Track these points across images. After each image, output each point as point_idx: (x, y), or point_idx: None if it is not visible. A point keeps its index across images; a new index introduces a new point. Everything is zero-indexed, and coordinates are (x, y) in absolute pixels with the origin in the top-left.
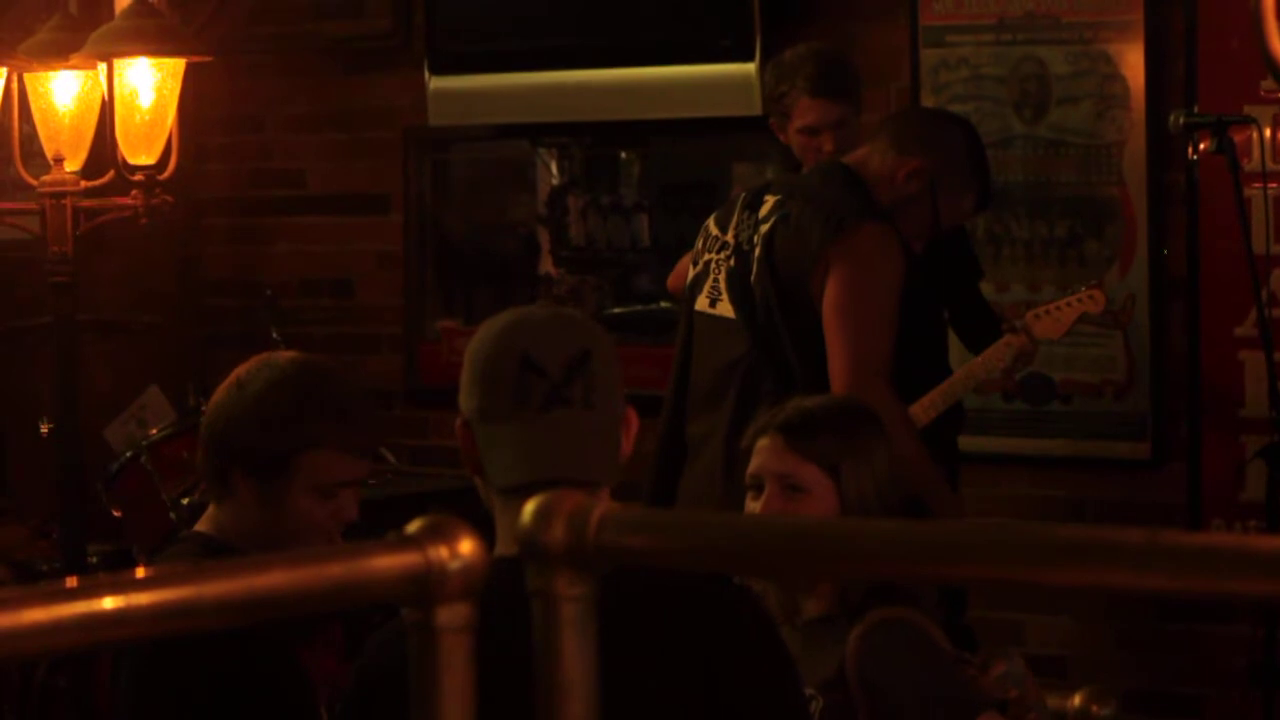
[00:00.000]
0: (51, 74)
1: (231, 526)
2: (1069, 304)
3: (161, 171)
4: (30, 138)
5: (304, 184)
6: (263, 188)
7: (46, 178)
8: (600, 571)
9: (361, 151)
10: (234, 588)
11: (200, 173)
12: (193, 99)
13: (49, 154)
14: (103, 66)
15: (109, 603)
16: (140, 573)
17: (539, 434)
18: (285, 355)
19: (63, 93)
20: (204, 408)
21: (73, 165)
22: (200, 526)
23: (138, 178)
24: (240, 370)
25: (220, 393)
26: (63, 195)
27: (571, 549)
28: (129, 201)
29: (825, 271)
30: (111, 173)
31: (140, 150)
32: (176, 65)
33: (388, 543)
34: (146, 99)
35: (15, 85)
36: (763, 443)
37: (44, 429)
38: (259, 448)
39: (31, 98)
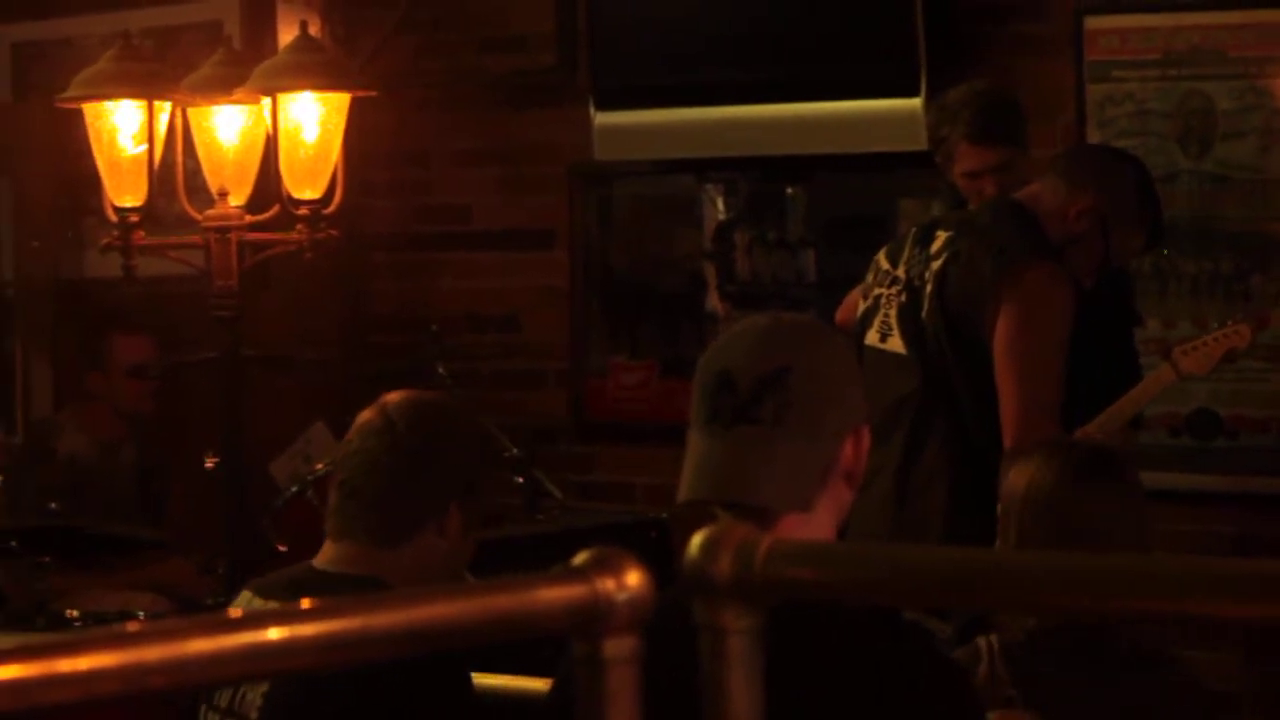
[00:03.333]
0: (215, 109)
1: (400, 571)
2: (1215, 339)
3: (326, 206)
4: (194, 172)
5: (469, 219)
6: (428, 223)
7: (211, 212)
8: (768, 604)
9: (526, 187)
10: (401, 619)
11: (365, 208)
12: (357, 134)
13: (213, 188)
14: (267, 101)
15: (274, 634)
16: (306, 604)
17: (715, 450)
18: (431, 394)
19: (226, 127)
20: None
21: (237, 200)
22: (342, 569)
23: (302, 212)
24: (411, 413)
25: (435, 431)
26: (227, 230)
27: (738, 581)
28: (294, 236)
29: (996, 310)
30: (276, 207)
31: (305, 185)
32: (341, 100)
33: (554, 575)
34: (311, 133)
35: (179, 120)
36: None
37: (209, 463)
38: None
39: (195, 132)
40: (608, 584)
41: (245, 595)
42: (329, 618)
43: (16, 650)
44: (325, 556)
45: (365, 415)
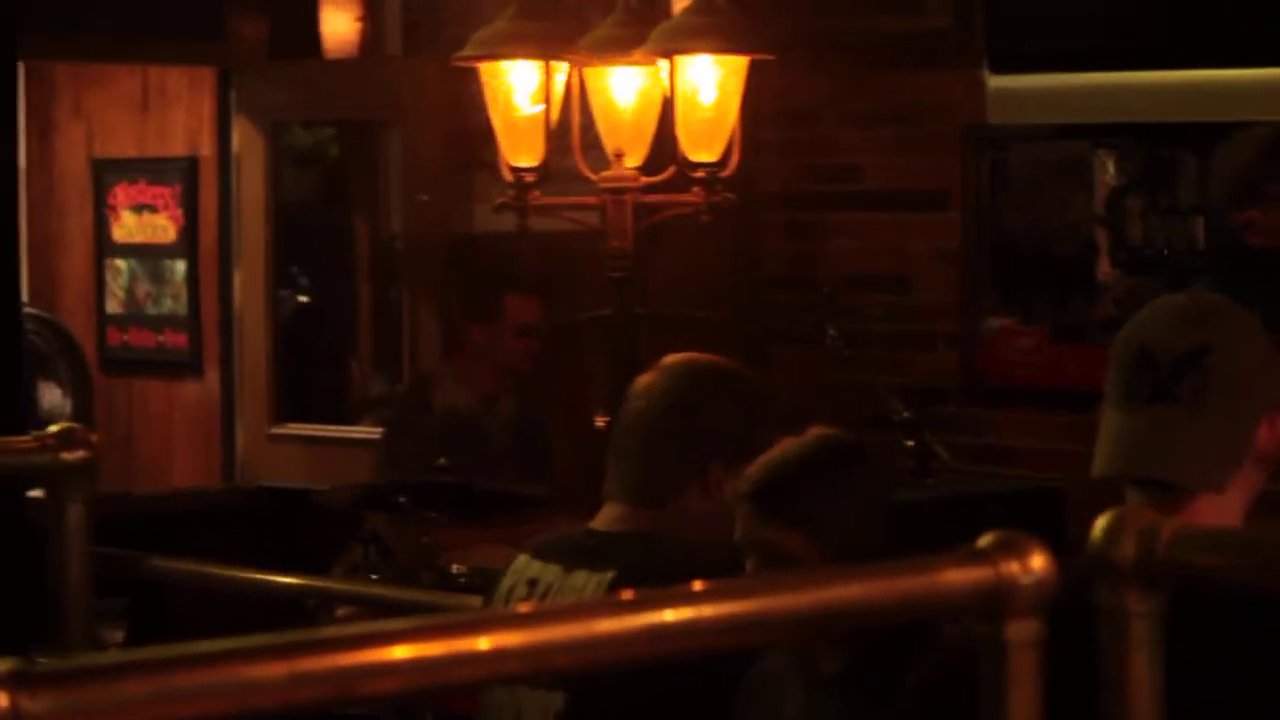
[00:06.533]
0: (611, 70)
1: (666, 529)
2: None
3: (723, 169)
4: (587, 129)
5: (861, 180)
6: (819, 183)
7: (607, 173)
8: (1170, 589)
9: (919, 148)
10: (803, 600)
11: (757, 167)
12: (750, 93)
13: (609, 149)
14: (664, 63)
15: (673, 615)
16: (699, 585)
17: (1132, 427)
18: (710, 358)
19: (623, 89)
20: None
21: (633, 161)
22: (615, 526)
23: (699, 174)
24: (674, 376)
25: (692, 392)
26: (623, 191)
27: (1141, 565)
28: (690, 198)
29: None
30: (672, 169)
31: (701, 147)
32: (739, 63)
33: (958, 556)
34: (708, 96)
35: (575, 80)
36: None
37: (599, 422)
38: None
39: (590, 93)
40: (1012, 567)
41: (523, 558)
42: (731, 599)
43: (424, 627)
44: (600, 518)
45: (642, 379)
